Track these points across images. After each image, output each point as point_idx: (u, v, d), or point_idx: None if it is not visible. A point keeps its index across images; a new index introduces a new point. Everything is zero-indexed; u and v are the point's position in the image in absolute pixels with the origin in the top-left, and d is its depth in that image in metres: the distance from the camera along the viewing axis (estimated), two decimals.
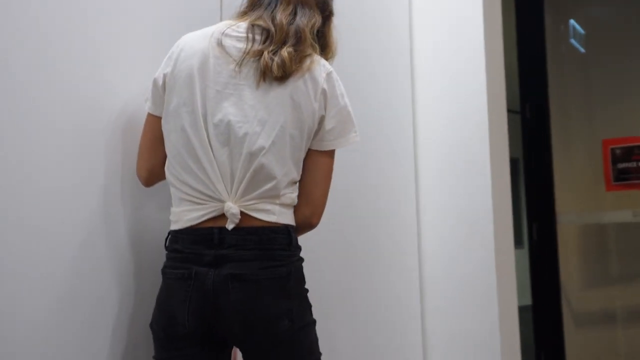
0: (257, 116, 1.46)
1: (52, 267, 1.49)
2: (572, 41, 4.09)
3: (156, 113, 1.55)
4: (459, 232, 2.46)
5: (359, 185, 2.33)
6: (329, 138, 1.55)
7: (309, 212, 1.57)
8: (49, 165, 1.50)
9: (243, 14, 1.59)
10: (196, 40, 1.52)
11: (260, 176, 1.46)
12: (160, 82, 1.53)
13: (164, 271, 1.51)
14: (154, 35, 1.76)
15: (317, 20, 1.58)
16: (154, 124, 1.56)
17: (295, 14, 1.54)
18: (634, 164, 3.54)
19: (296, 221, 1.57)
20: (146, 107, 1.58)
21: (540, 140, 3.79)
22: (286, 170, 1.49)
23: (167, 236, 1.54)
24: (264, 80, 1.48)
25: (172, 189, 1.54)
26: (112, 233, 1.62)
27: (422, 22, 2.63)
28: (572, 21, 4.06)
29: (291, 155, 1.50)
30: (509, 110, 3.88)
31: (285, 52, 1.48)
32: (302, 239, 1.58)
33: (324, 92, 1.53)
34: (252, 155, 1.45)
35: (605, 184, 3.65)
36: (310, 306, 1.54)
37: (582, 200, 3.88)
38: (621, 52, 3.84)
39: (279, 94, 1.48)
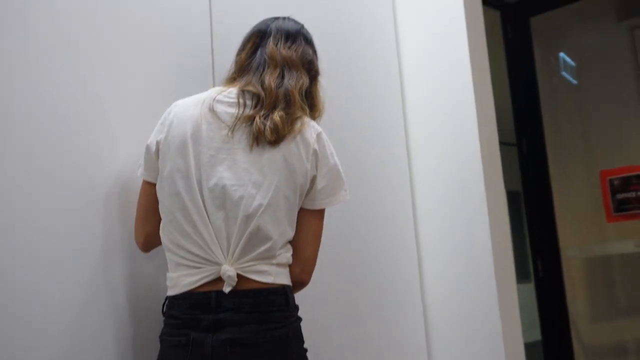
0: (251, 179, 1.48)
1: (51, 331, 1.49)
2: (564, 74, 4.11)
3: (150, 179, 1.57)
4: (460, 271, 2.43)
5: (358, 228, 2.33)
6: (320, 197, 1.58)
7: (299, 270, 1.58)
8: (49, 229, 1.52)
9: (232, 80, 1.63)
10: (188, 107, 1.55)
11: (256, 238, 1.46)
12: (154, 148, 1.55)
13: (161, 338, 1.50)
14: (148, 100, 1.78)
15: (305, 81, 1.61)
16: (148, 190, 1.58)
17: (282, 77, 1.57)
18: (632, 194, 3.52)
19: None
20: (139, 174, 1.60)
21: (539, 175, 3.77)
22: (281, 231, 1.51)
23: (165, 302, 1.53)
24: (257, 144, 1.50)
25: (168, 254, 1.54)
26: (111, 296, 1.62)
27: (412, 71, 2.64)
28: (562, 54, 4.09)
29: (286, 215, 1.52)
30: (509, 144, 3.89)
31: (276, 116, 1.50)
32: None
33: (315, 152, 1.56)
34: (248, 218, 1.46)
35: (605, 215, 3.62)
36: None
37: (584, 232, 3.85)
38: (613, 82, 3.85)
39: (272, 156, 1.50)
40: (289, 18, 1.72)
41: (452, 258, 2.46)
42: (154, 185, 1.56)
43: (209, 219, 1.47)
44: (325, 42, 2.33)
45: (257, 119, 1.50)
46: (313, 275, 1.62)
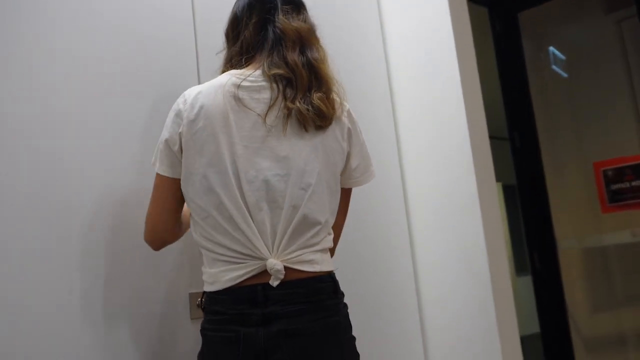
0: (293, 167, 1.41)
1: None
2: (554, 67, 4.13)
3: (170, 175, 1.46)
4: (454, 267, 2.44)
5: (350, 224, 2.33)
6: (355, 175, 1.56)
7: None
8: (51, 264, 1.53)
9: (248, 60, 1.50)
10: (208, 96, 1.42)
11: (303, 227, 1.41)
12: (177, 144, 1.43)
13: (205, 333, 1.43)
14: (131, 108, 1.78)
15: (324, 53, 1.52)
16: (168, 185, 1.46)
17: (303, 52, 1.47)
18: (627, 184, 3.54)
19: None
20: (157, 169, 1.48)
21: (533, 168, 3.79)
22: (327, 217, 1.46)
23: (202, 296, 1.48)
24: (301, 128, 1.42)
25: (203, 250, 1.46)
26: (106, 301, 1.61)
27: (400, 71, 2.66)
28: (551, 48, 4.11)
29: (329, 201, 1.47)
30: (504, 138, 3.91)
31: (316, 98, 1.43)
32: None
33: (349, 131, 1.52)
34: (295, 207, 1.40)
35: (600, 206, 3.64)
36: (358, 356, 1.49)
37: (580, 224, 3.87)
38: (603, 74, 3.87)
39: (310, 140, 1.44)
40: None
41: (445, 254, 2.47)
42: (174, 180, 1.45)
43: (249, 214, 1.38)
44: None
45: (298, 104, 1.41)
46: None
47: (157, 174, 1.48)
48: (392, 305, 2.42)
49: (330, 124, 1.45)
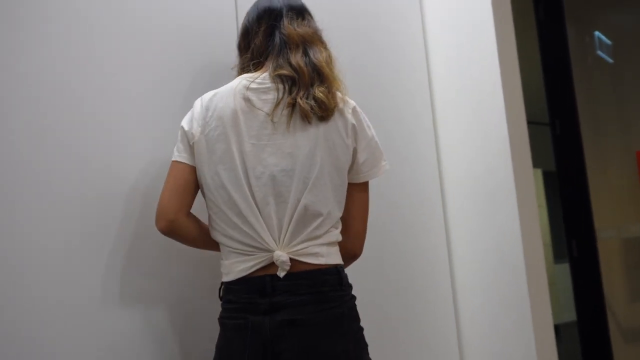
0: (296, 162, 1.50)
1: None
2: (599, 52, 4.05)
3: (184, 160, 1.55)
4: (491, 257, 2.44)
5: (387, 218, 2.35)
6: (363, 170, 1.60)
7: (350, 245, 1.62)
8: (58, 232, 1.60)
9: (257, 65, 1.62)
10: (221, 98, 1.55)
11: (305, 218, 1.49)
12: (188, 137, 1.55)
13: (221, 321, 1.54)
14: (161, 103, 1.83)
15: (328, 53, 1.62)
16: (181, 171, 1.55)
17: (306, 54, 1.57)
18: None
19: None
20: (173, 157, 1.57)
21: (573, 156, 3.74)
22: (330, 209, 1.53)
23: (220, 287, 1.57)
24: (303, 123, 1.52)
25: (220, 244, 1.56)
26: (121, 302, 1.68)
27: (439, 57, 2.65)
28: (597, 33, 4.03)
29: (333, 194, 1.54)
30: (544, 124, 3.86)
31: (317, 92, 1.52)
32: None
33: (353, 127, 1.58)
34: (297, 200, 1.49)
35: None
36: (366, 346, 1.55)
37: (619, 213, 3.81)
38: None
39: (313, 136, 1.52)
40: None
41: (481, 241, 2.46)
42: (188, 166, 1.54)
43: (257, 208, 1.48)
44: (350, 34, 2.37)
45: (299, 100, 1.51)
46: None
47: (172, 161, 1.58)
48: (426, 292, 2.43)
49: (332, 114, 1.53)
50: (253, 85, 1.55)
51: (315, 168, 1.51)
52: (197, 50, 1.91)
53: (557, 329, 6.68)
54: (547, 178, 6.81)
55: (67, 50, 1.66)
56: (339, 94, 1.58)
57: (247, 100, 1.53)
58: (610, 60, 4.03)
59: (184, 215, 1.56)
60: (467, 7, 2.55)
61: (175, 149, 1.58)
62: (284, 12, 1.63)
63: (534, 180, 2.50)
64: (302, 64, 1.54)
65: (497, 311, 2.41)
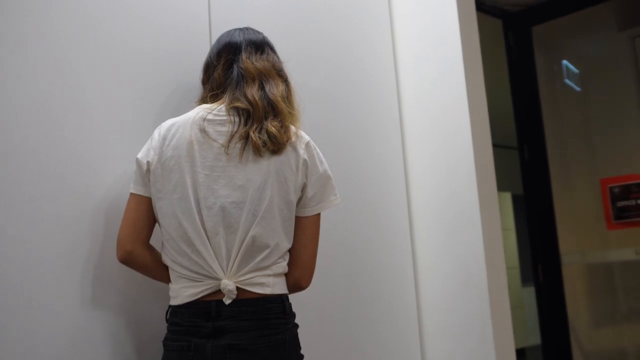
0: (247, 195, 1.53)
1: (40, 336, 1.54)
2: (567, 81, 4.14)
3: (139, 192, 1.59)
4: (455, 279, 2.47)
5: (353, 234, 2.38)
6: (311, 204, 1.63)
7: (298, 275, 1.64)
8: (39, 235, 1.57)
9: (215, 97, 1.66)
10: (179, 129, 1.58)
11: (253, 249, 1.52)
12: (144, 167, 1.57)
13: (165, 343, 1.56)
14: (142, 108, 1.82)
15: (284, 88, 1.65)
16: (136, 203, 1.59)
17: (262, 88, 1.61)
18: (632, 202, 3.55)
19: (287, 284, 1.63)
20: (131, 188, 1.61)
21: (540, 181, 3.81)
22: (277, 241, 1.56)
23: (168, 309, 1.59)
24: (255, 156, 1.55)
25: (169, 268, 1.59)
26: (102, 302, 1.67)
27: (408, 78, 2.70)
28: (565, 62, 4.12)
29: (282, 226, 1.57)
30: (515, 148, 3.94)
31: (270, 126, 1.55)
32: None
33: (305, 162, 1.60)
34: (245, 232, 1.52)
35: (606, 222, 3.65)
36: None
37: (585, 239, 3.88)
38: (615, 90, 3.88)
39: (265, 169, 1.55)
40: (248, 28, 1.75)
41: (446, 264, 2.50)
42: (144, 198, 1.58)
43: (207, 237, 1.51)
44: (321, 61, 2.40)
45: (251, 133, 1.54)
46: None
47: (130, 193, 1.61)
48: (391, 312, 2.45)
49: (283, 148, 1.56)
50: (210, 117, 1.58)
51: (265, 201, 1.53)
52: (172, 67, 1.92)
53: (523, 351, 6.75)
54: (517, 201, 6.90)
55: (43, 62, 1.65)
56: (293, 129, 1.61)
57: (203, 131, 1.56)
58: (578, 89, 4.12)
59: (141, 246, 1.60)
60: (437, 35, 2.60)
61: (133, 180, 1.61)
62: (243, 46, 1.67)
63: (498, 204, 2.55)
64: (257, 97, 1.58)
65: (460, 332, 2.44)
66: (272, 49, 1.74)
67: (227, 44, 1.70)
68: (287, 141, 1.57)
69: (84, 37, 1.74)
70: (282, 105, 1.60)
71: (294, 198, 1.59)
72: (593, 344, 3.89)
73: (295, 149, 1.60)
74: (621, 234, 3.66)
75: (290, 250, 1.63)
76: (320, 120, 2.33)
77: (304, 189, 1.61)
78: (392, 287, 2.48)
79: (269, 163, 1.55)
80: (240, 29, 1.74)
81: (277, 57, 1.73)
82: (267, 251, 1.53)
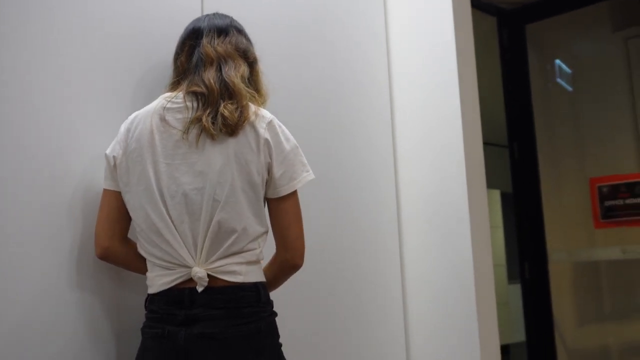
0: (207, 180, 1.52)
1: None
2: (559, 80, 4.15)
3: (109, 187, 1.61)
4: (443, 278, 2.49)
5: (343, 241, 2.39)
6: (280, 184, 1.59)
7: (289, 256, 1.62)
8: (8, 228, 1.55)
9: (177, 84, 1.65)
10: (141, 120, 1.59)
11: (220, 235, 1.51)
12: (112, 162, 1.59)
13: (142, 330, 1.57)
14: (115, 98, 1.79)
15: (244, 68, 1.64)
16: (108, 198, 1.61)
17: (220, 69, 1.59)
18: (620, 202, 3.57)
19: (278, 268, 1.63)
20: (103, 183, 1.63)
21: (529, 179, 3.83)
22: (245, 225, 1.53)
23: (146, 298, 1.59)
24: (212, 141, 1.53)
25: (145, 258, 1.59)
26: (79, 294, 1.66)
27: (401, 77, 2.70)
28: (557, 61, 4.14)
29: (249, 209, 1.54)
30: (505, 146, 3.96)
31: (223, 108, 1.53)
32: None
33: (266, 142, 1.57)
34: (210, 217, 1.51)
35: (593, 221, 3.68)
36: None
37: (572, 238, 3.91)
38: (607, 90, 3.90)
39: (223, 153, 1.53)
40: (217, 13, 1.74)
41: (433, 262, 2.51)
42: (115, 193, 1.60)
43: (174, 226, 1.52)
44: (314, 54, 2.40)
45: (204, 118, 1.52)
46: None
47: (103, 189, 1.63)
48: (377, 308, 2.46)
49: (238, 130, 1.53)
50: (169, 105, 1.58)
51: (226, 185, 1.52)
52: (159, 60, 1.88)
53: (508, 348, 6.78)
54: (505, 199, 6.93)
55: (22, 53, 1.62)
56: (252, 108, 1.58)
57: (163, 119, 1.56)
58: (570, 88, 4.14)
59: (117, 241, 1.61)
60: (431, 31, 2.60)
61: (104, 176, 1.62)
62: (205, 31, 1.66)
63: (487, 201, 2.56)
64: (212, 80, 1.57)
65: (446, 328, 2.45)
66: (239, 31, 1.71)
67: (191, 30, 1.70)
68: (244, 122, 1.54)
69: (68, 30, 1.71)
70: (239, 85, 1.58)
71: (258, 179, 1.55)
72: (577, 342, 3.93)
73: (254, 129, 1.56)
74: (608, 233, 3.69)
75: (274, 233, 1.62)
76: (310, 117, 2.33)
77: (270, 169, 1.58)
78: (379, 282, 2.49)
79: (227, 146, 1.53)
80: (207, 15, 1.73)
81: (246, 38, 1.72)
82: (234, 236, 1.51)
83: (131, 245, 1.64)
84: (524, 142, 3.87)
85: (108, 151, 1.61)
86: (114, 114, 1.75)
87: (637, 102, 3.76)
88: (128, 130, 1.59)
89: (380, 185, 2.57)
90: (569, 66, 4.15)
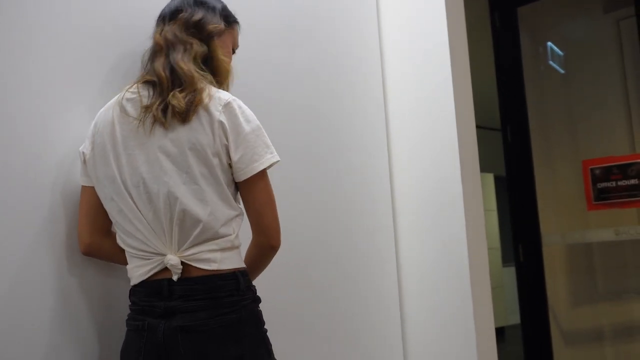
0: (164, 168, 1.49)
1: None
2: (551, 62, 4.15)
3: (85, 184, 1.61)
4: (438, 261, 2.50)
5: (337, 226, 2.39)
6: (240, 167, 1.53)
7: (265, 239, 1.57)
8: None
9: (140, 77, 1.63)
10: (104, 114, 1.59)
11: (186, 222, 1.48)
12: (82, 158, 1.60)
13: (126, 322, 1.56)
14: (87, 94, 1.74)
15: (195, 48, 1.60)
16: (85, 194, 1.61)
17: (167, 55, 1.58)
18: (613, 184, 3.58)
19: (257, 251, 1.59)
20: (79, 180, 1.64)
21: (523, 162, 3.84)
22: (211, 210, 1.49)
23: (130, 290, 1.59)
24: (165, 129, 1.51)
25: (125, 250, 1.58)
26: (59, 293, 1.64)
27: (393, 62, 2.69)
28: (549, 43, 4.13)
29: (214, 194, 1.50)
30: (499, 129, 3.96)
31: (172, 97, 1.50)
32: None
33: (221, 124, 1.51)
34: (172, 206, 1.48)
35: (586, 203, 3.69)
36: (268, 350, 1.54)
37: (565, 220, 3.92)
38: (599, 72, 3.90)
39: (177, 140, 1.50)
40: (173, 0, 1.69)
41: (428, 246, 2.52)
42: (89, 188, 1.60)
43: (142, 216, 1.51)
44: (305, 40, 2.38)
45: (154, 107, 1.51)
46: (281, 249, 1.60)
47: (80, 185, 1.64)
48: (372, 293, 2.47)
49: (189, 116, 1.50)
50: (128, 95, 1.57)
51: (184, 172, 1.49)
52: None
53: (503, 331, 6.83)
54: (499, 183, 6.95)
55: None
56: (207, 91, 1.53)
57: (123, 110, 1.56)
58: (562, 71, 4.14)
59: (99, 236, 1.61)
60: (422, 16, 2.60)
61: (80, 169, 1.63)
62: (159, 19, 1.66)
63: (481, 185, 2.57)
64: (161, 68, 1.56)
65: (441, 311, 2.47)
66: (197, 3, 1.66)
67: (156, 21, 1.69)
68: (196, 107, 1.50)
69: (43, 27, 1.66)
70: (189, 71, 1.54)
71: (216, 162, 1.50)
72: (571, 323, 3.96)
73: (208, 112, 1.51)
74: (601, 215, 3.70)
75: (249, 218, 1.57)
76: (303, 101, 2.33)
77: (227, 153, 1.52)
78: (374, 267, 2.50)
79: (180, 132, 1.50)
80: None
81: (201, 10, 1.65)
82: (201, 223, 1.48)
83: (115, 239, 1.62)
84: (517, 126, 3.87)
85: (81, 147, 1.62)
86: (91, 108, 1.70)
87: (629, 84, 3.77)
88: (95, 125, 1.59)
89: (374, 170, 2.57)
90: (560, 48, 4.14)
